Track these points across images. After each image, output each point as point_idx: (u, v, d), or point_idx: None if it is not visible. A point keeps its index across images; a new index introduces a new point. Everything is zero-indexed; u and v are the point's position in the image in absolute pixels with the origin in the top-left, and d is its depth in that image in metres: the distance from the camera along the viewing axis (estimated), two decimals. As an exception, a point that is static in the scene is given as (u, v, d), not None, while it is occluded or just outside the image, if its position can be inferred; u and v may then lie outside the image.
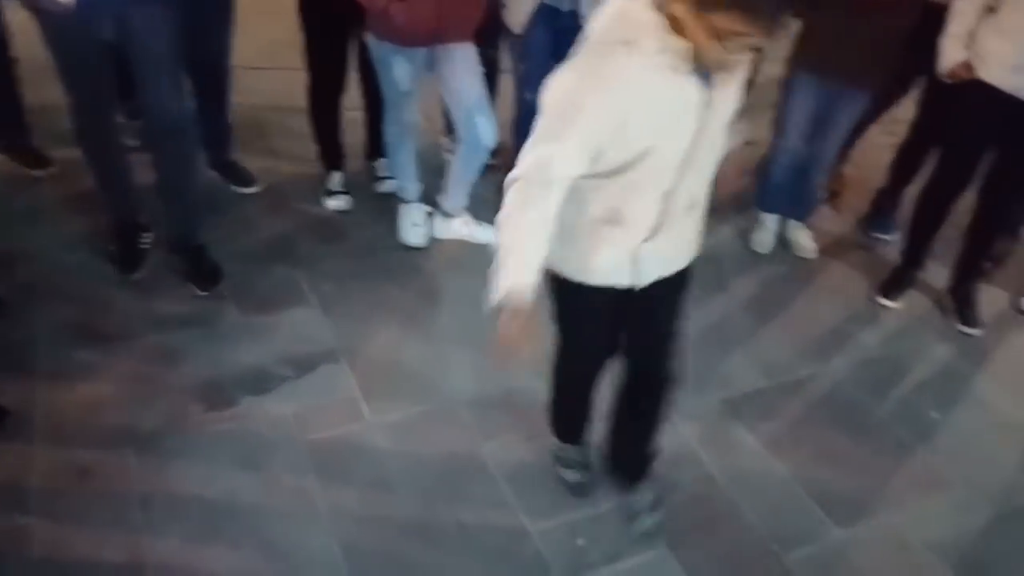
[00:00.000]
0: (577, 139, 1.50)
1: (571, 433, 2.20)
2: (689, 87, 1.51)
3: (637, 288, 1.78)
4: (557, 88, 1.52)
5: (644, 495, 2.16)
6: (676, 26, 1.44)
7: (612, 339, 1.98)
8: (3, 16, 2.88)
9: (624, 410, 2.10)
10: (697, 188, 1.70)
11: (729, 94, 1.60)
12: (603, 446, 2.22)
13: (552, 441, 2.23)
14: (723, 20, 1.39)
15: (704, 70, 1.49)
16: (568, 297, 1.85)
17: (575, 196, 1.60)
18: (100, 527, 1.98)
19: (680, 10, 1.42)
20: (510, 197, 1.53)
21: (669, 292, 1.88)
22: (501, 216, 1.54)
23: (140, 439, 2.20)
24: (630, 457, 2.17)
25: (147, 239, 2.77)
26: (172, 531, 1.99)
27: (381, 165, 3.28)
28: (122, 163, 2.63)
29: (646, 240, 1.70)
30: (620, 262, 1.74)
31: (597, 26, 1.54)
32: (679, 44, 1.45)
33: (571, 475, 2.22)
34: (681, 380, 2.09)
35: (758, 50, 1.47)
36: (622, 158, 1.55)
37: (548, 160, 1.51)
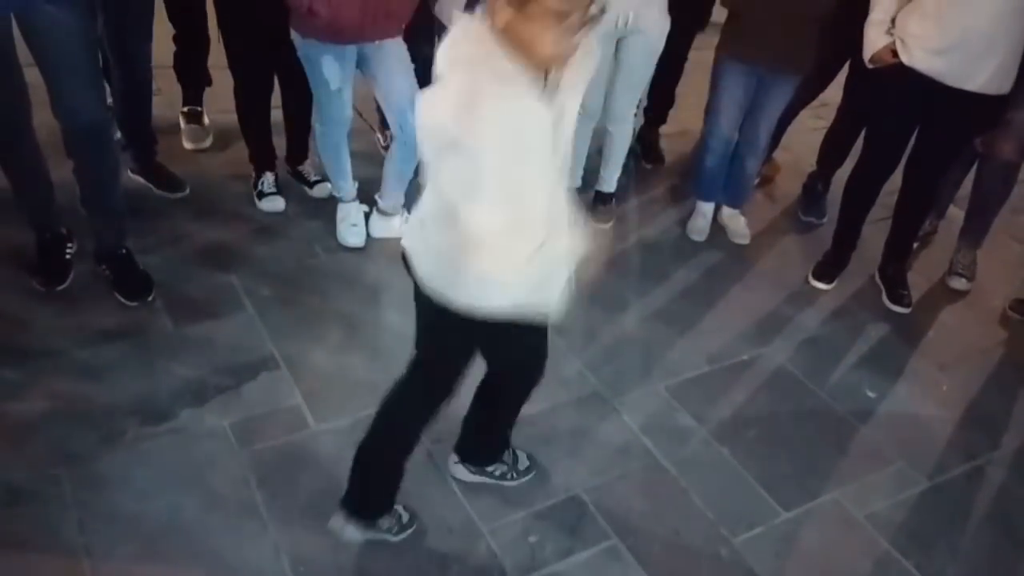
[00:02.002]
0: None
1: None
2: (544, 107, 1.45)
3: None
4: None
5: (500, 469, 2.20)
6: (511, 39, 1.38)
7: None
8: None
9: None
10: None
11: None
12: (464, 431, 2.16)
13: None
14: (543, 6, 1.34)
15: (550, 80, 1.44)
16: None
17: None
18: (36, 553, 1.89)
19: (505, 19, 1.37)
20: None
21: None
22: None
23: (73, 459, 2.11)
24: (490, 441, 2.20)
25: (71, 249, 2.65)
26: (113, 553, 1.91)
27: (308, 168, 3.22)
28: (39, 171, 2.51)
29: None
30: None
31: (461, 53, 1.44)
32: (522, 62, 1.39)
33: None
34: (626, 369, 2.11)
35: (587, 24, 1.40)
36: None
37: None
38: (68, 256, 2.64)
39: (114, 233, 2.59)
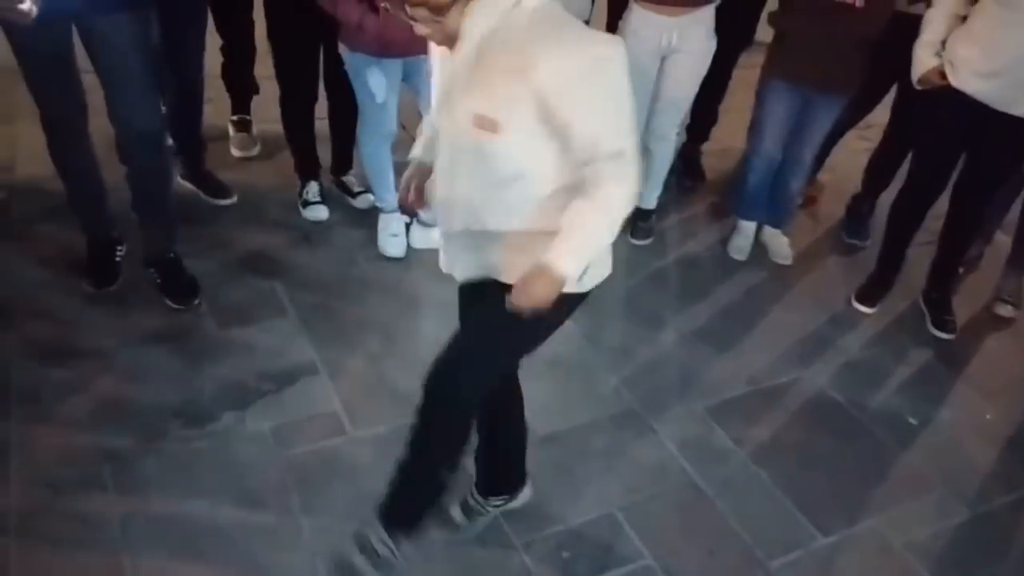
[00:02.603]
0: None
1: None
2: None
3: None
4: None
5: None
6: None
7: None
8: None
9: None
10: (467, 189, 1.59)
11: (469, 85, 1.49)
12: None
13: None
14: None
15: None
16: None
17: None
18: (79, 549, 1.93)
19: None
20: None
21: (473, 305, 1.79)
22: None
23: (117, 458, 2.16)
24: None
25: (120, 252, 2.72)
26: (152, 552, 1.95)
27: (352, 179, 3.27)
28: (94, 175, 2.58)
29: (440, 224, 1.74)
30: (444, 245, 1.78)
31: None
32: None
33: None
34: (663, 388, 2.09)
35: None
36: None
37: None
38: (118, 259, 2.71)
39: (163, 238, 2.65)
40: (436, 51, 1.65)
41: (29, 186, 3.04)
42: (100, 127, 2.49)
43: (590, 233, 1.51)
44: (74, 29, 2.27)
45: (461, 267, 1.76)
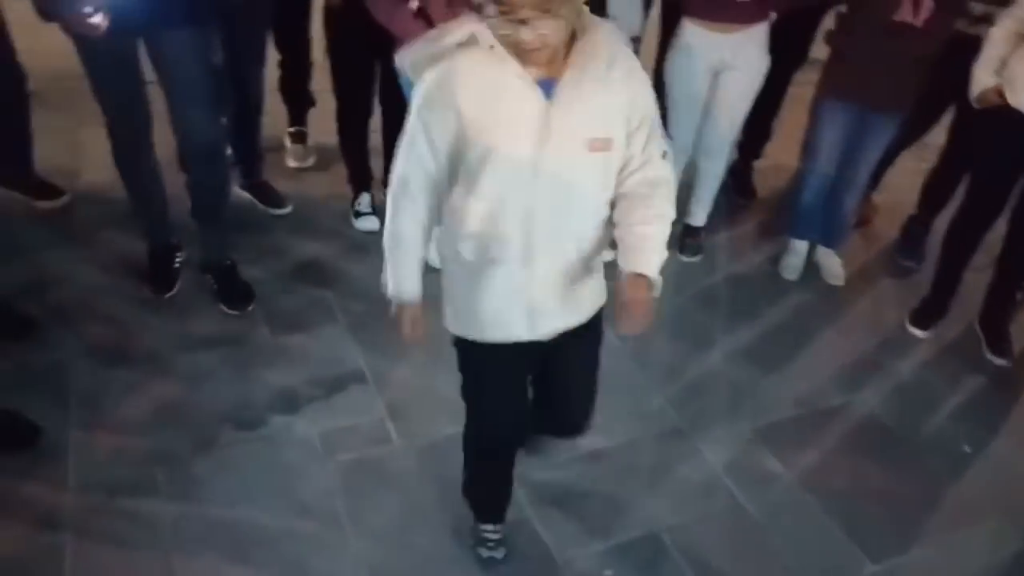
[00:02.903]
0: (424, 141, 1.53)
1: (491, 510, 2.05)
2: (524, 88, 1.45)
3: (535, 340, 1.68)
4: None
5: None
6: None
7: (523, 403, 1.87)
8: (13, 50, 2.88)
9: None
10: (566, 217, 1.57)
11: (580, 109, 1.48)
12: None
13: (470, 523, 2.08)
14: None
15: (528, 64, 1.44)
16: (468, 358, 1.77)
17: (448, 240, 1.64)
18: (131, 549, 1.99)
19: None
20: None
21: (578, 346, 1.78)
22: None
23: (171, 459, 2.22)
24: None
25: (180, 259, 2.80)
26: (202, 554, 2.00)
27: None
28: (156, 183, 2.66)
29: (524, 269, 1.59)
30: (509, 308, 1.64)
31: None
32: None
33: (488, 552, 2.05)
34: (711, 407, 2.07)
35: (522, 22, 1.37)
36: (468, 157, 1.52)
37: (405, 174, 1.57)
38: (177, 265, 2.78)
39: (221, 245, 2.72)
40: (510, 83, 1.47)
41: (93, 192, 3.14)
42: (162, 136, 2.57)
43: (663, 231, 1.57)
44: (140, 42, 2.34)
45: (549, 320, 1.69)
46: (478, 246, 1.60)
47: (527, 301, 1.64)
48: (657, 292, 1.56)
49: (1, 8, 2.72)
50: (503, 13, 1.38)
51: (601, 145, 1.51)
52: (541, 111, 1.46)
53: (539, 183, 1.52)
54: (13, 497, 2.07)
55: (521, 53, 1.42)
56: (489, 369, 1.77)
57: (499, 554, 2.06)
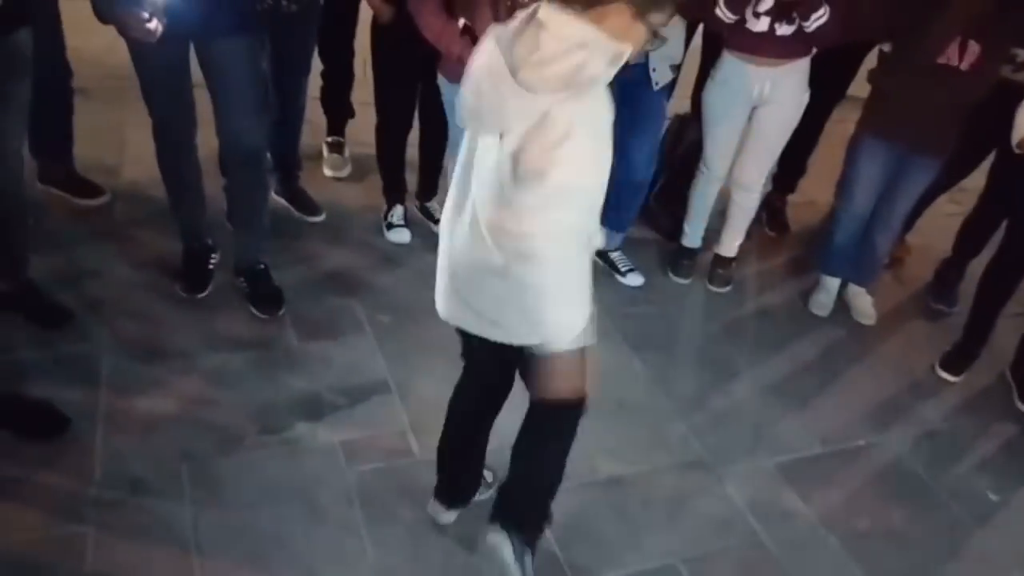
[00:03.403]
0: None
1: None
2: None
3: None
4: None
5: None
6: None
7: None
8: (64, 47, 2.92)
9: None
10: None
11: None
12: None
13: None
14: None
15: None
16: None
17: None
18: (152, 544, 2.00)
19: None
20: None
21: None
22: None
23: (194, 457, 2.23)
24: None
25: (214, 260, 2.83)
26: (220, 555, 2.00)
27: (435, 206, 3.33)
28: (197, 185, 2.70)
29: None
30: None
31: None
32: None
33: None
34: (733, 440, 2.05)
35: None
36: None
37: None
38: (211, 266, 2.81)
39: (255, 248, 2.75)
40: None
41: (132, 190, 3.20)
42: (202, 139, 2.61)
43: None
44: (191, 48, 2.39)
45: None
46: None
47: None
48: None
49: (57, 5, 2.78)
50: None
51: None
52: None
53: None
54: (39, 486, 2.09)
55: None
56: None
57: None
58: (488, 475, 2.24)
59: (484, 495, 2.20)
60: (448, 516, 2.16)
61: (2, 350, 2.32)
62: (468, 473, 2.16)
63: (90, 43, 2.91)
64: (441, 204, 3.29)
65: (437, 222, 3.30)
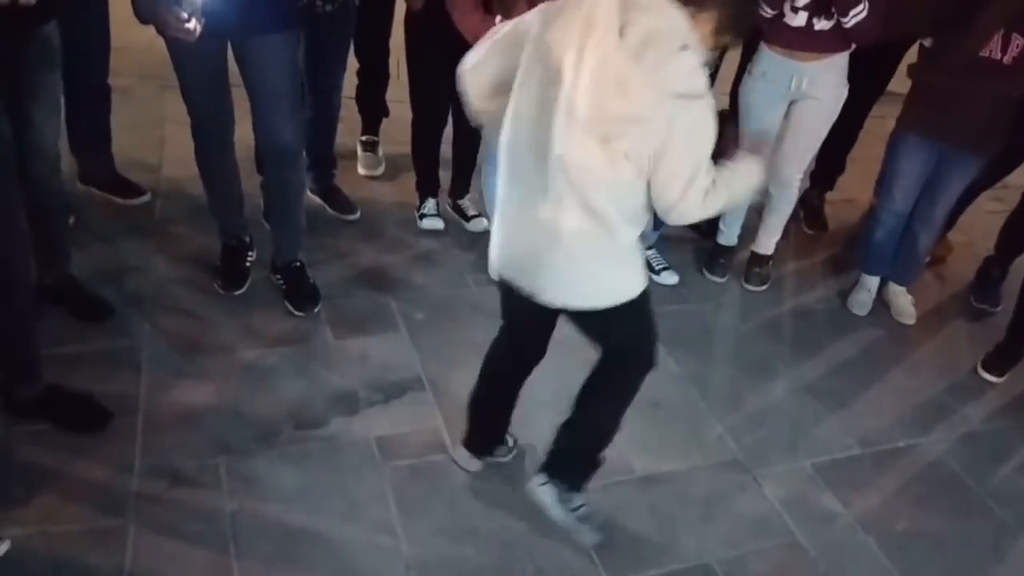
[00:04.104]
0: None
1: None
2: None
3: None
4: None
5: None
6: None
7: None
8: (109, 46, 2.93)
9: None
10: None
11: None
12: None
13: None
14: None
15: None
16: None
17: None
18: (189, 538, 2.02)
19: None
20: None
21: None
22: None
23: (232, 452, 2.25)
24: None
25: (251, 257, 2.86)
26: (256, 549, 2.02)
27: (468, 203, 3.34)
28: (235, 182, 2.73)
29: None
30: None
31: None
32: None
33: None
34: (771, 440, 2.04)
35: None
36: None
37: None
38: (248, 263, 2.84)
39: (291, 246, 2.77)
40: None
41: (172, 188, 3.24)
42: (240, 137, 2.64)
43: None
44: (229, 46, 2.42)
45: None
46: None
47: None
48: None
49: (107, 4, 2.82)
50: None
51: None
52: None
53: None
54: (79, 478, 2.12)
55: None
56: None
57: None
58: (510, 440, 2.34)
59: (507, 457, 2.33)
60: (474, 464, 2.30)
61: (45, 344, 2.37)
62: (494, 425, 2.30)
63: (130, 41, 2.95)
64: (474, 202, 3.32)
65: (470, 219, 3.32)
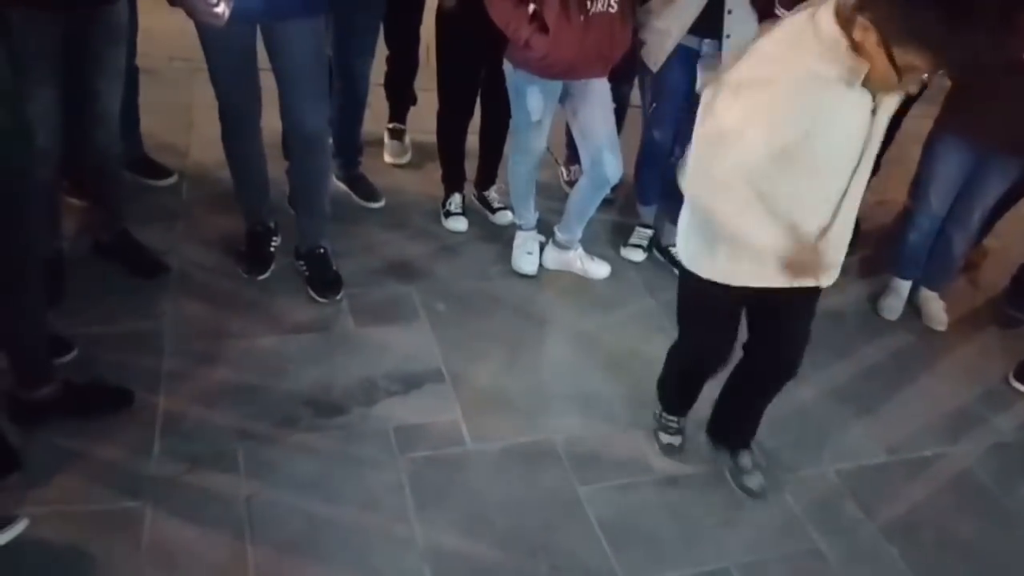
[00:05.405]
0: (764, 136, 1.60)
1: (679, 408, 2.38)
2: (865, 107, 1.64)
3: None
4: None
5: (748, 457, 2.32)
6: (858, 48, 1.53)
7: (734, 336, 2.13)
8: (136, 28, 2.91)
9: (742, 390, 2.27)
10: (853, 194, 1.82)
11: (891, 105, 1.71)
12: (714, 415, 2.37)
13: (656, 409, 2.40)
14: (904, 56, 1.47)
15: (874, 89, 1.60)
16: (702, 296, 2.00)
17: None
18: (206, 522, 2.02)
19: (866, 38, 1.51)
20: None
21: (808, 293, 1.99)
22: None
23: (251, 437, 2.25)
24: (742, 428, 2.35)
25: (275, 243, 2.85)
26: (272, 536, 2.01)
27: (493, 195, 3.31)
28: (260, 167, 2.72)
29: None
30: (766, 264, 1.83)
31: (773, 38, 1.63)
32: (858, 63, 1.54)
33: (668, 438, 2.39)
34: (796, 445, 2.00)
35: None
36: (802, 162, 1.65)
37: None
38: (272, 249, 2.84)
39: (315, 233, 2.76)
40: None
41: (200, 171, 3.24)
42: (266, 122, 2.63)
43: None
44: (258, 32, 2.40)
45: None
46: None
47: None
48: None
49: None
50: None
51: None
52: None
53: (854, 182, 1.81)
54: (99, 459, 2.13)
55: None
56: (719, 306, 2.04)
57: (672, 440, 2.39)
58: None
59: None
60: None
61: (70, 325, 2.38)
62: None
63: (160, 24, 2.94)
64: (500, 193, 3.30)
65: (495, 211, 3.29)
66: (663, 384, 2.36)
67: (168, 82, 3.65)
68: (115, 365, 2.35)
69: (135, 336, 2.50)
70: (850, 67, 1.54)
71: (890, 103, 1.70)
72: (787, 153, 1.61)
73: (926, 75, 1.54)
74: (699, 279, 1.95)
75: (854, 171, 1.76)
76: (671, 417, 2.38)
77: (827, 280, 1.94)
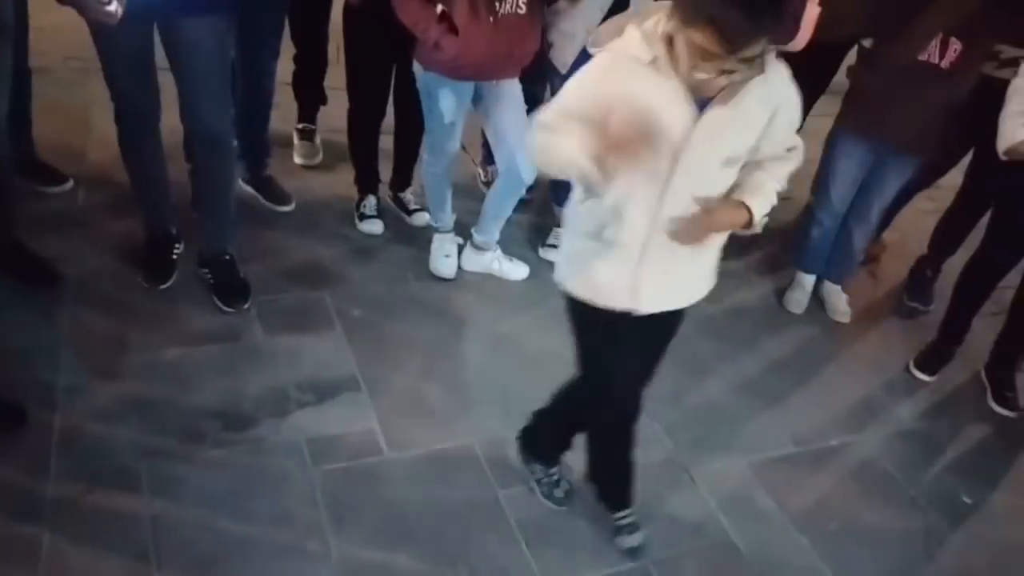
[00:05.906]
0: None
1: (555, 457, 2.26)
2: (679, 104, 1.55)
3: (635, 313, 1.81)
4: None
5: (626, 517, 2.17)
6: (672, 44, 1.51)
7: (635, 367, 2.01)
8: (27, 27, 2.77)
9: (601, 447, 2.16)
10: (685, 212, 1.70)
11: (725, 124, 1.59)
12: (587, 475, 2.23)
13: (528, 468, 2.27)
14: (698, 36, 1.43)
15: (695, 93, 1.54)
16: (581, 319, 1.90)
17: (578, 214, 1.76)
18: (109, 546, 1.92)
19: (671, 26, 1.49)
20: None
21: (665, 329, 1.97)
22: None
23: (155, 454, 2.16)
24: (613, 487, 2.20)
25: (178, 250, 2.75)
26: (179, 557, 1.94)
27: (409, 196, 3.27)
28: (160, 171, 2.62)
29: (637, 262, 1.75)
30: (618, 283, 1.79)
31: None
32: (677, 62, 1.51)
33: (559, 492, 2.26)
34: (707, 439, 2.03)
35: (728, 72, 1.47)
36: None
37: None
38: (175, 256, 2.73)
39: (220, 238, 2.67)
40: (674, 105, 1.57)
41: (97, 175, 3.09)
42: (167, 124, 2.53)
43: (774, 190, 1.73)
44: (155, 30, 2.30)
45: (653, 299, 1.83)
46: (597, 228, 1.75)
47: (638, 280, 1.78)
48: (755, 230, 1.74)
49: None
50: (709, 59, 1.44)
51: (733, 162, 1.68)
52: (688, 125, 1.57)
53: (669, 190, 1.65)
54: (-9, 482, 2.02)
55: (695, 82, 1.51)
56: (603, 331, 1.91)
57: (562, 491, 2.25)
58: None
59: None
60: None
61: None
62: None
63: (54, 22, 2.79)
64: (415, 195, 3.25)
65: (411, 213, 3.25)
66: (541, 431, 2.23)
67: (63, 82, 3.47)
68: (6, 381, 2.22)
69: (28, 350, 2.38)
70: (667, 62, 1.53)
71: (723, 122, 1.60)
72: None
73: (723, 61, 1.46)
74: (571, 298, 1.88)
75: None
76: (551, 470, 2.25)
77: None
